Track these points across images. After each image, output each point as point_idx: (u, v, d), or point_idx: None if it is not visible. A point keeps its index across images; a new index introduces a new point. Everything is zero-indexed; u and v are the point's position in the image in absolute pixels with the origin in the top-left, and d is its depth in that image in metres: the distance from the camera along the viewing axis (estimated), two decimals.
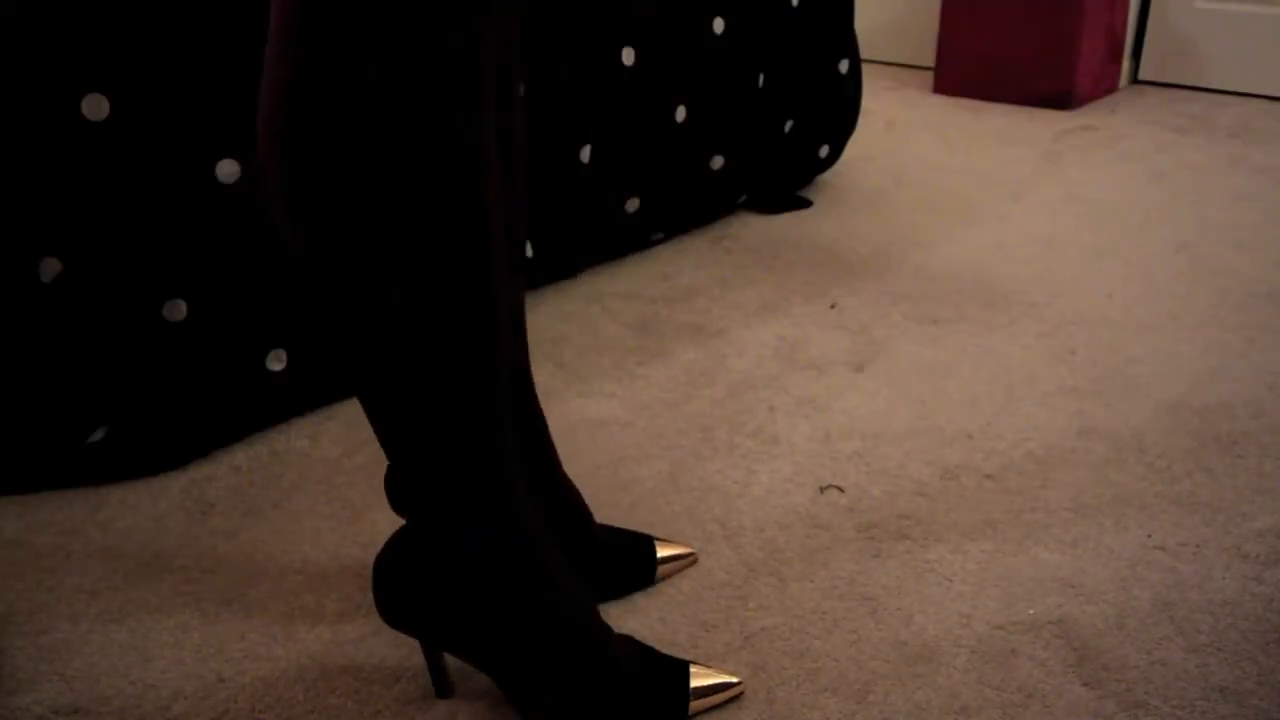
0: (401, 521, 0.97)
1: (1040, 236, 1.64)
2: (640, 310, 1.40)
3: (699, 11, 1.47)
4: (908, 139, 2.18)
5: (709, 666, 0.77)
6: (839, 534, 0.95)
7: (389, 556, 0.72)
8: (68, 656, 0.82)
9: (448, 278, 0.60)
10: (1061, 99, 2.39)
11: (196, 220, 1.00)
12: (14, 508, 1.00)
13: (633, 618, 0.85)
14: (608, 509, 0.99)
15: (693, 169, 1.54)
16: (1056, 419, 1.13)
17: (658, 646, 0.81)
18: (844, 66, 1.74)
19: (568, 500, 0.84)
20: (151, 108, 0.95)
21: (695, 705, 0.74)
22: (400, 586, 0.71)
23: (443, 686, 0.77)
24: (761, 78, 1.60)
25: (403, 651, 0.82)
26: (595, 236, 1.46)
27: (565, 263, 1.45)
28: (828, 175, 1.94)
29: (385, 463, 1.06)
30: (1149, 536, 0.94)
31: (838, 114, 1.77)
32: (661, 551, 0.89)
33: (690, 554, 0.90)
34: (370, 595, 0.88)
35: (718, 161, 1.57)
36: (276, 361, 1.08)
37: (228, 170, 1.00)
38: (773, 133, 1.68)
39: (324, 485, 1.03)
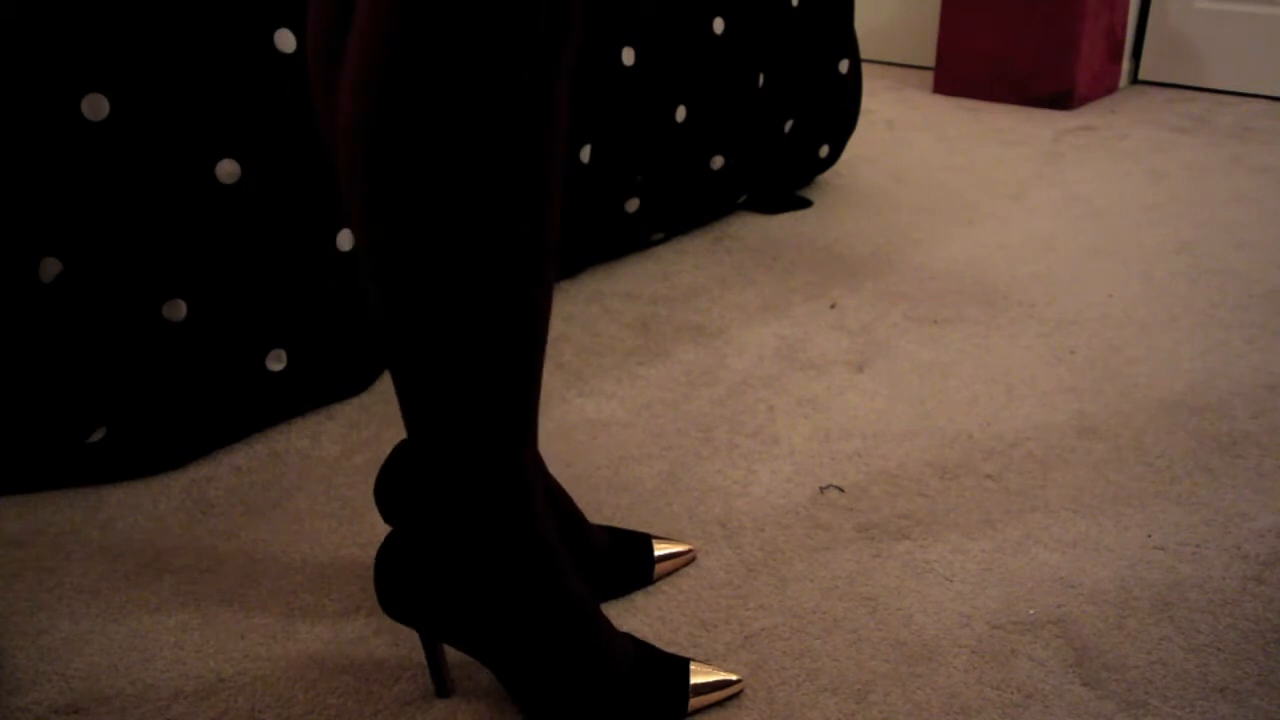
0: None
1: (1040, 236, 1.64)
2: (640, 310, 1.40)
3: (699, 11, 1.47)
4: (908, 139, 2.18)
5: (709, 664, 0.78)
6: (839, 534, 0.95)
7: (392, 549, 0.72)
8: (68, 656, 0.82)
9: (515, 266, 0.62)
10: (1061, 99, 2.39)
11: (196, 220, 1.00)
12: (14, 508, 1.00)
13: (632, 617, 0.85)
14: (608, 509, 0.99)
15: (693, 169, 1.54)
16: (1056, 419, 1.13)
17: (657, 645, 0.81)
18: (844, 66, 1.74)
19: (559, 501, 0.84)
20: (151, 108, 0.95)
21: (695, 702, 0.75)
22: (403, 578, 0.72)
23: (442, 685, 0.77)
24: (761, 78, 1.60)
25: (403, 651, 0.82)
26: (595, 236, 1.46)
27: (565, 263, 1.46)
28: (828, 175, 1.94)
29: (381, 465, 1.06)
30: (1149, 536, 0.94)
31: (838, 114, 1.77)
32: (659, 550, 0.89)
33: (689, 551, 0.90)
34: (370, 595, 0.88)
35: (718, 161, 1.57)
36: (276, 361, 1.08)
37: (228, 170, 1.00)
38: (773, 133, 1.68)
39: (324, 485, 1.03)
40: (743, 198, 1.72)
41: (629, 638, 0.76)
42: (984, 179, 1.92)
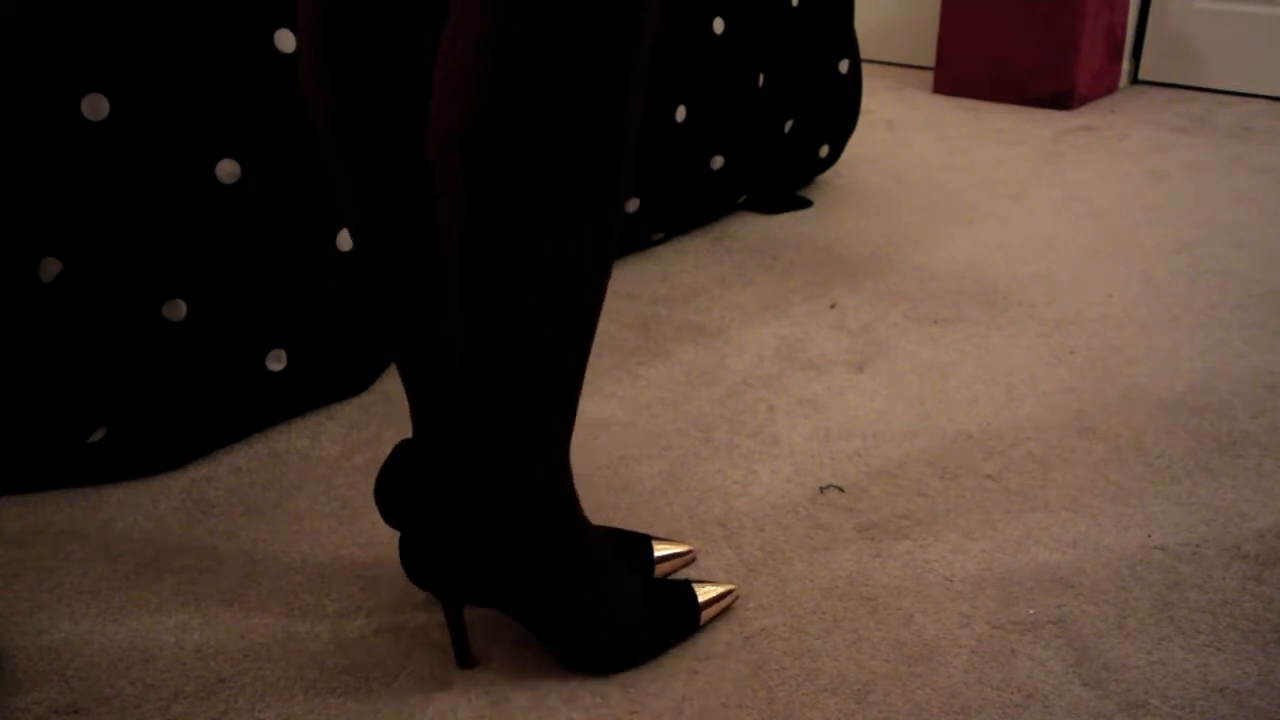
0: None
1: (1040, 236, 1.64)
2: (640, 310, 1.40)
3: (699, 11, 1.47)
4: (908, 139, 2.18)
5: (705, 582, 0.84)
6: (839, 534, 0.95)
7: (419, 527, 0.74)
8: (68, 656, 0.82)
9: (592, 268, 0.65)
10: (1061, 99, 2.39)
11: (196, 220, 1.00)
12: (14, 508, 1.00)
13: None
14: (608, 509, 0.99)
15: (693, 169, 1.54)
16: (1056, 419, 1.13)
17: None
18: (844, 66, 1.74)
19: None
20: (151, 108, 0.95)
21: (704, 615, 0.83)
22: (430, 551, 0.74)
23: (464, 654, 0.79)
24: (761, 78, 1.60)
25: (402, 650, 0.82)
26: None
27: None
28: (828, 175, 1.94)
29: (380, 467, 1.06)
30: (1149, 536, 0.94)
31: (838, 114, 1.77)
32: (659, 550, 0.89)
33: (689, 551, 0.90)
34: (371, 595, 0.88)
35: (718, 161, 1.57)
36: (276, 361, 1.08)
37: (228, 170, 1.00)
38: (773, 133, 1.68)
39: (324, 485, 1.03)
40: (743, 198, 1.72)
41: (634, 578, 0.81)
42: (984, 179, 1.92)
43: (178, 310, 1.01)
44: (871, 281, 1.48)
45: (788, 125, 1.70)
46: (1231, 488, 1.01)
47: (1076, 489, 1.01)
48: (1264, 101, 2.42)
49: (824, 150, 1.79)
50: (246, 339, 1.06)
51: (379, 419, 1.14)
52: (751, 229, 1.69)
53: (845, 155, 2.06)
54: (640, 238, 1.54)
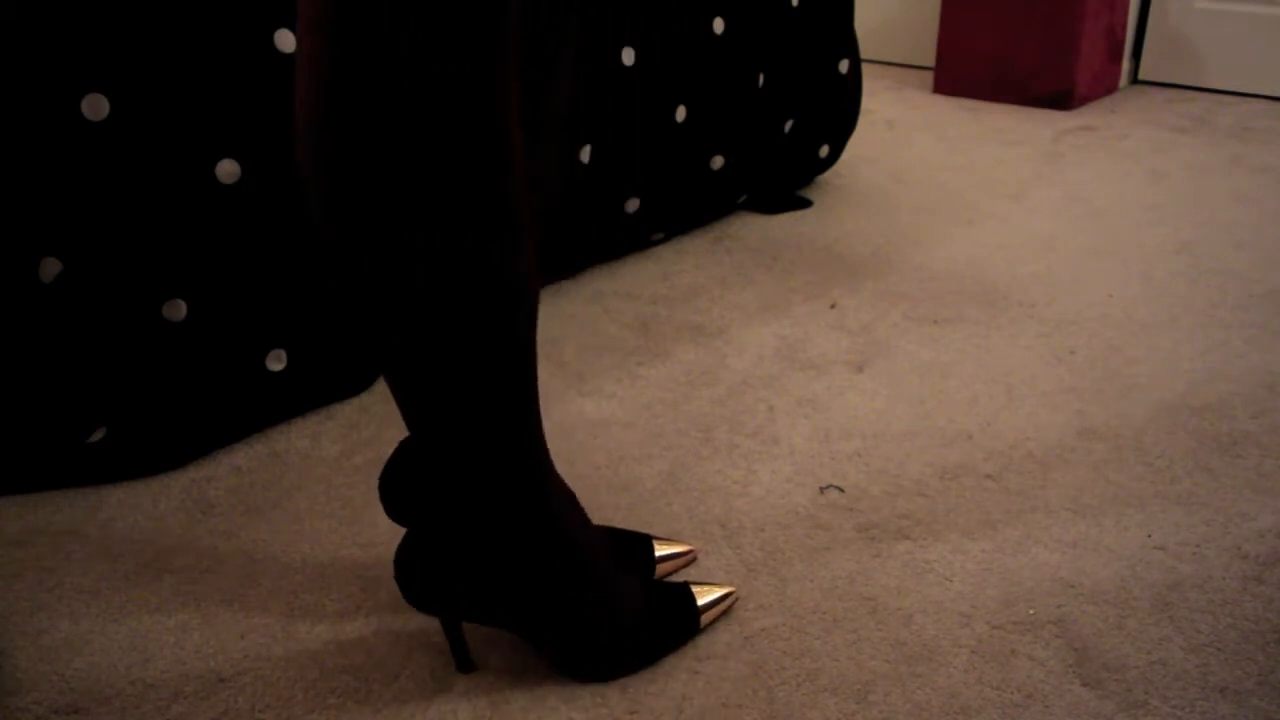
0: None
1: (1040, 236, 1.64)
2: (640, 310, 1.40)
3: (699, 11, 1.47)
4: (908, 139, 2.18)
5: (704, 584, 0.84)
6: (839, 534, 0.95)
7: (410, 544, 0.74)
8: (68, 656, 0.82)
9: (479, 262, 0.63)
10: (1061, 99, 2.39)
11: (196, 220, 1.00)
12: (14, 508, 1.00)
13: None
14: (608, 509, 0.99)
15: (693, 169, 1.54)
16: (1056, 419, 1.13)
17: None
18: (844, 66, 1.74)
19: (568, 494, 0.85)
20: (151, 108, 0.95)
21: (704, 618, 0.83)
22: (425, 571, 0.74)
23: (464, 661, 0.79)
24: (761, 78, 1.60)
25: (402, 650, 0.82)
26: (595, 236, 1.46)
27: (565, 262, 1.45)
28: (828, 175, 1.94)
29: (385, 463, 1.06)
30: (1149, 536, 0.94)
31: (838, 114, 1.77)
32: (660, 550, 0.89)
33: (689, 552, 0.90)
34: (370, 595, 0.88)
35: (718, 161, 1.57)
36: (276, 361, 1.08)
37: (228, 170, 1.00)
38: (773, 133, 1.68)
39: (324, 485, 1.03)
40: (743, 198, 1.72)
41: (634, 579, 0.81)
42: (984, 179, 1.92)
43: (178, 310, 1.01)
44: (871, 281, 1.48)
45: (788, 125, 1.70)
46: (1231, 488, 1.01)
47: (1076, 489, 1.01)
48: (1264, 101, 2.42)
49: (824, 150, 1.79)
50: (246, 339, 1.06)
51: (379, 419, 1.14)
52: (751, 229, 1.69)
53: (845, 155, 2.06)
54: (640, 238, 1.54)
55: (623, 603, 0.78)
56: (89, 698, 0.78)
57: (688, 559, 0.90)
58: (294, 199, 1.06)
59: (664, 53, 1.44)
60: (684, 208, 1.58)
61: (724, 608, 0.84)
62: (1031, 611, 0.85)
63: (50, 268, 0.94)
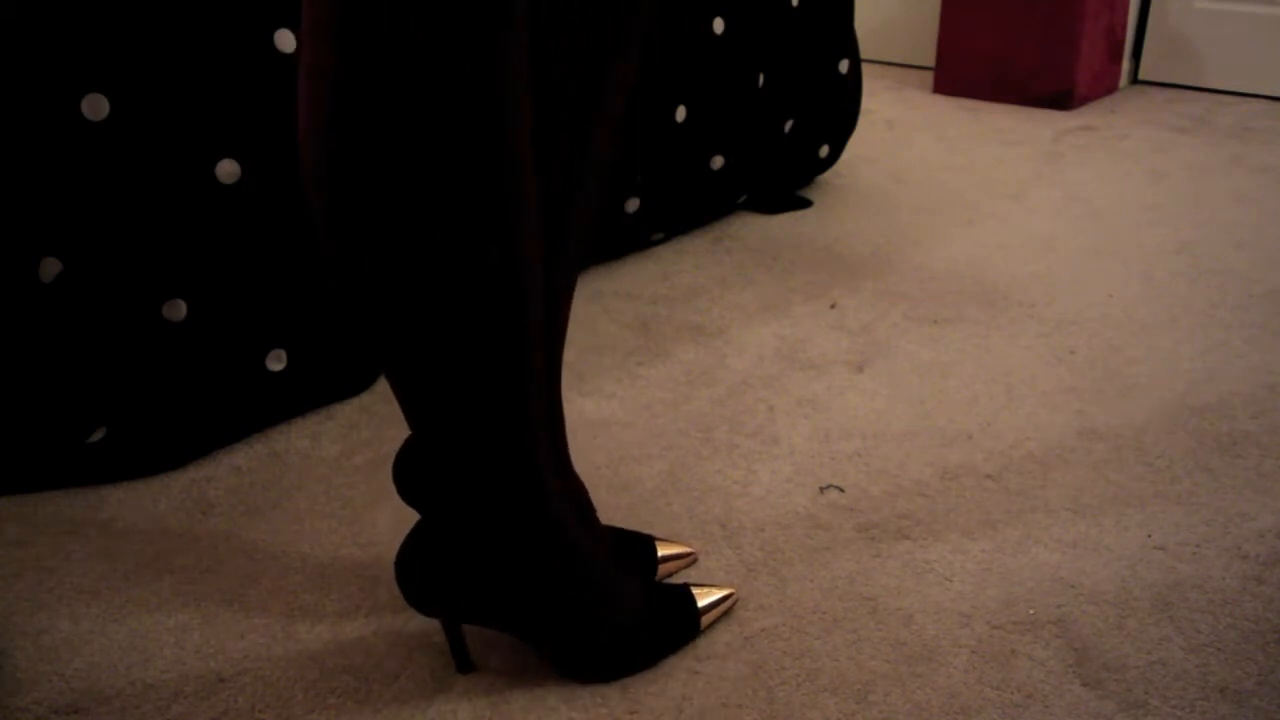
0: (401, 519, 0.97)
1: (1040, 236, 1.64)
2: (640, 310, 1.40)
3: (699, 11, 1.47)
4: (908, 139, 2.18)
5: (704, 586, 0.84)
6: (839, 534, 0.95)
7: (411, 546, 0.75)
8: (68, 656, 0.82)
9: (480, 263, 0.63)
10: (1061, 99, 2.39)
11: (196, 220, 1.00)
12: (14, 508, 1.00)
13: None
14: (608, 509, 0.99)
15: (693, 169, 1.54)
16: (1056, 419, 1.13)
17: None
18: (844, 66, 1.74)
19: (576, 493, 0.85)
20: (151, 108, 0.95)
21: (704, 620, 0.83)
22: (426, 572, 0.74)
23: (464, 662, 0.79)
24: (761, 78, 1.60)
25: (402, 651, 0.82)
26: (595, 236, 1.46)
27: None
28: (828, 175, 1.94)
29: (385, 463, 1.06)
30: (1149, 536, 0.94)
31: (838, 114, 1.77)
32: (662, 551, 0.89)
33: (690, 553, 0.90)
34: (370, 595, 0.88)
35: (718, 161, 1.57)
36: (276, 361, 1.08)
37: (228, 170, 1.00)
38: (773, 133, 1.68)
39: (324, 485, 1.03)
40: (743, 198, 1.72)
41: (634, 580, 0.81)
42: (984, 179, 1.92)
43: (178, 310, 1.01)
44: (871, 281, 1.48)
45: (788, 125, 1.70)
46: (1231, 488, 1.01)
47: (1076, 489, 1.01)
48: (1264, 101, 2.42)
49: (824, 150, 1.79)
50: (246, 339, 1.06)
51: (379, 419, 1.14)
52: (751, 229, 1.69)
53: (845, 155, 2.06)
54: (640, 238, 1.54)
55: (623, 603, 0.78)
56: (89, 698, 0.78)
57: (689, 560, 0.90)
58: (294, 199, 1.06)
59: (664, 53, 1.44)
60: (684, 208, 1.58)
61: (724, 609, 0.84)
62: (1031, 611, 0.85)
63: (50, 268, 0.94)
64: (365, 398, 1.19)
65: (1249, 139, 2.13)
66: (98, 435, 1.01)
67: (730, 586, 0.87)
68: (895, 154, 2.08)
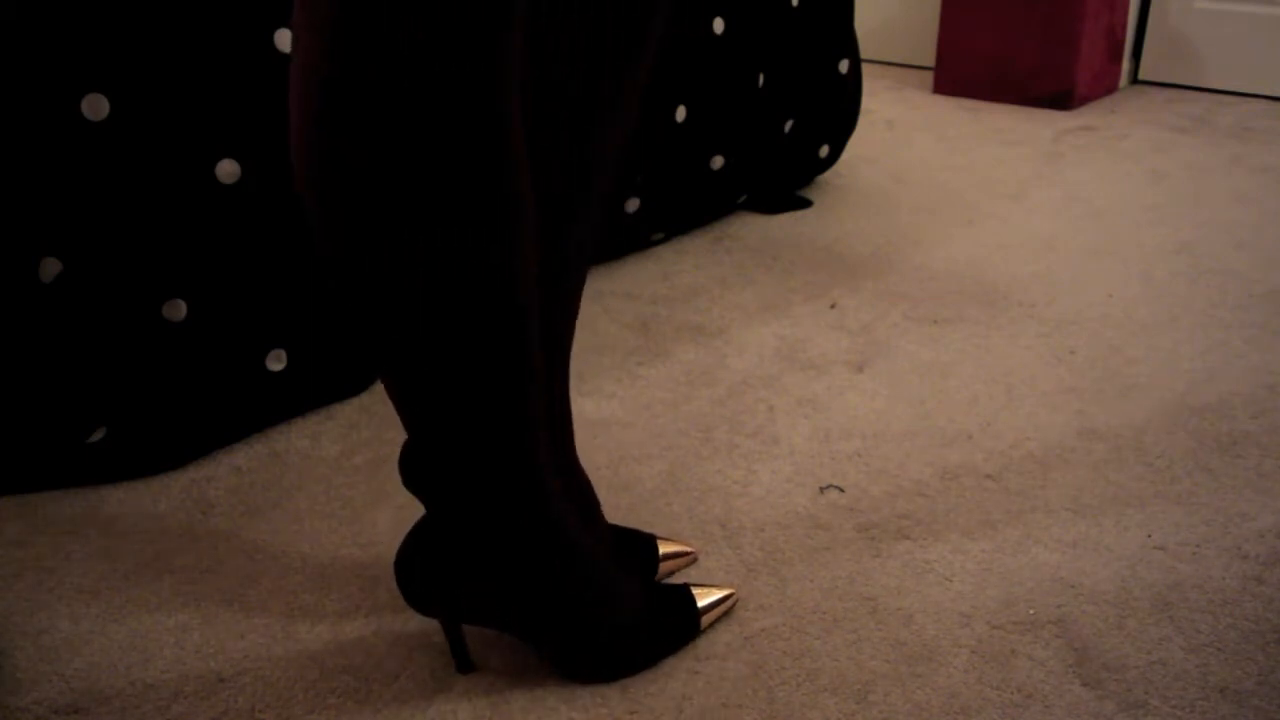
0: (401, 519, 0.97)
1: (1040, 236, 1.64)
2: (640, 310, 1.40)
3: (699, 11, 1.47)
4: (908, 139, 2.18)
5: (704, 586, 0.84)
6: (839, 534, 0.95)
7: (411, 545, 0.74)
8: (68, 656, 0.82)
9: (478, 263, 0.63)
10: (1061, 99, 2.39)
11: (196, 220, 1.00)
12: (14, 508, 1.00)
13: None
14: (608, 509, 0.99)
15: (693, 169, 1.54)
16: (1056, 419, 1.13)
17: None
18: (844, 66, 1.74)
19: (580, 491, 0.85)
20: (151, 108, 0.95)
21: (704, 620, 0.83)
22: (425, 572, 0.74)
23: (464, 662, 0.79)
24: (761, 78, 1.60)
25: (402, 650, 0.82)
26: (604, 238, 1.46)
27: None
28: (828, 175, 1.94)
29: (385, 463, 1.06)
30: (1149, 536, 0.94)
31: (838, 114, 1.77)
32: (663, 549, 0.89)
33: (691, 552, 0.90)
34: (370, 595, 0.88)
35: (718, 161, 1.57)
36: (276, 361, 1.08)
37: (228, 170, 1.00)
38: (773, 133, 1.68)
39: (324, 485, 1.03)
40: (743, 198, 1.72)
41: (633, 580, 0.81)
42: (984, 179, 1.92)
43: (178, 310, 1.01)
44: (871, 281, 1.48)
45: (788, 125, 1.70)
46: (1231, 488, 1.01)
47: (1076, 489, 1.01)
48: (1264, 101, 2.42)
49: (824, 150, 1.79)
50: (246, 339, 1.06)
51: (379, 419, 1.14)
52: (751, 229, 1.69)
53: (845, 155, 2.06)
54: (640, 238, 1.54)
55: (623, 603, 0.78)
56: (89, 698, 0.78)
57: (689, 559, 0.90)
58: (294, 199, 1.06)
59: (664, 53, 1.44)
60: (684, 208, 1.58)
61: (724, 609, 0.84)
62: (1031, 611, 0.85)
63: (50, 268, 0.94)
64: (365, 398, 1.19)
65: (1249, 139, 2.13)
66: (98, 435, 1.01)
67: (730, 586, 0.87)
68: (895, 154, 2.08)
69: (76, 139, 0.92)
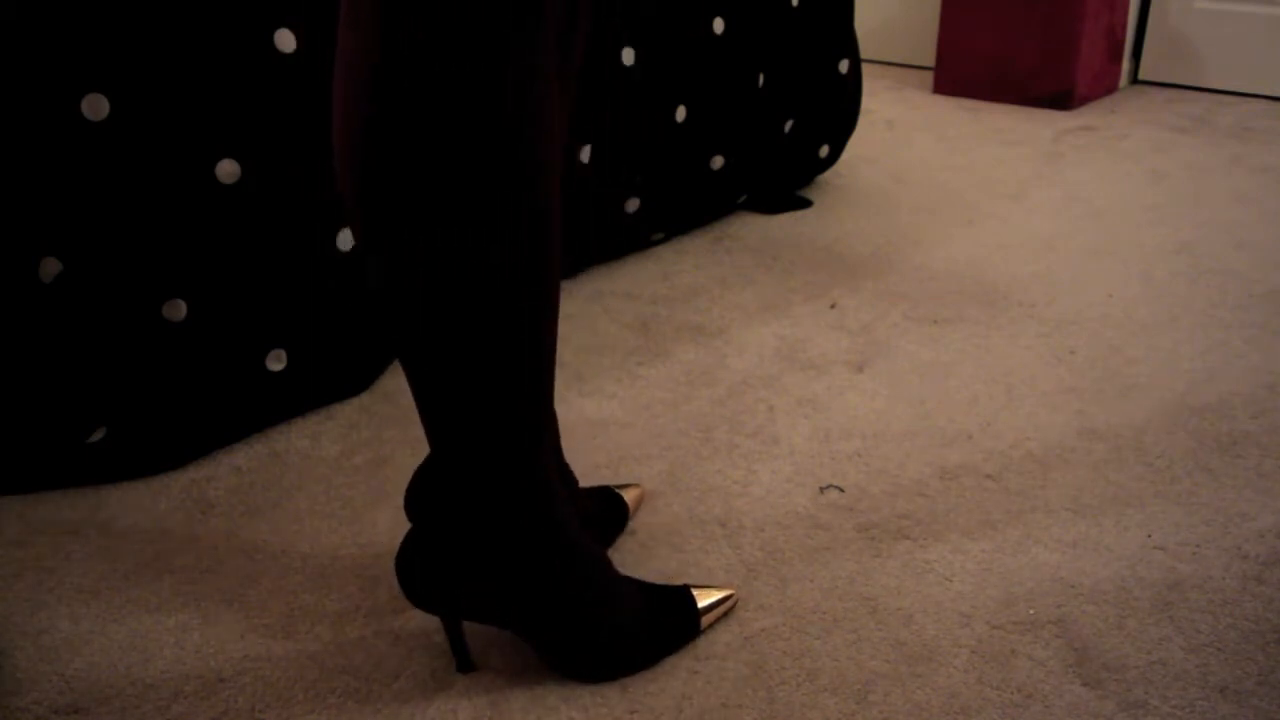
0: (401, 519, 0.97)
1: (1040, 236, 1.64)
2: (640, 310, 1.40)
3: (699, 11, 1.47)
4: (908, 139, 2.18)
5: (704, 587, 0.84)
6: (839, 534, 0.95)
7: (411, 543, 0.74)
8: (68, 656, 0.82)
9: (514, 262, 0.63)
10: (1061, 99, 2.39)
11: (196, 220, 1.00)
12: (14, 508, 1.00)
13: None
14: None
15: (693, 169, 1.54)
16: (1056, 419, 1.13)
17: None
18: (844, 66, 1.74)
19: (569, 487, 0.86)
20: (151, 108, 0.95)
21: (704, 620, 0.83)
22: (426, 569, 0.74)
23: (464, 662, 0.79)
24: (761, 78, 1.60)
25: (402, 650, 0.82)
26: (595, 236, 1.46)
27: (565, 263, 1.45)
28: (828, 175, 1.94)
29: (385, 463, 1.06)
30: (1149, 536, 0.94)
31: (838, 114, 1.77)
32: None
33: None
34: (370, 595, 0.88)
35: (718, 161, 1.57)
36: (276, 361, 1.08)
37: (228, 170, 1.00)
38: (773, 133, 1.68)
39: (324, 485, 1.03)
40: (743, 198, 1.72)
41: (632, 581, 0.81)
42: (984, 179, 1.92)
43: (178, 310, 1.01)
44: (871, 281, 1.48)
45: (788, 125, 1.70)
46: (1231, 488, 1.01)
47: (1076, 489, 1.01)
48: (1264, 101, 2.42)
49: (824, 150, 1.79)
50: (246, 339, 1.06)
51: (379, 419, 1.14)
52: (751, 229, 1.69)
53: (845, 155, 2.06)
54: (640, 238, 1.54)
55: (623, 603, 0.78)
56: (89, 698, 0.78)
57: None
58: (294, 199, 1.06)
59: (664, 53, 1.44)
60: (684, 208, 1.58)
61: (724, 610, 0.84)
62: (1031, 611, 0.85)
63: (50, 268, 0.94)
64: (365, 398, 1.19)
65: (1249, 139, 2.13)
66: (98, 435, 1.01)
67: (730, 587, 0.87)
68: (895, 154, 2.08)
69: (76, 139, 0.92)
